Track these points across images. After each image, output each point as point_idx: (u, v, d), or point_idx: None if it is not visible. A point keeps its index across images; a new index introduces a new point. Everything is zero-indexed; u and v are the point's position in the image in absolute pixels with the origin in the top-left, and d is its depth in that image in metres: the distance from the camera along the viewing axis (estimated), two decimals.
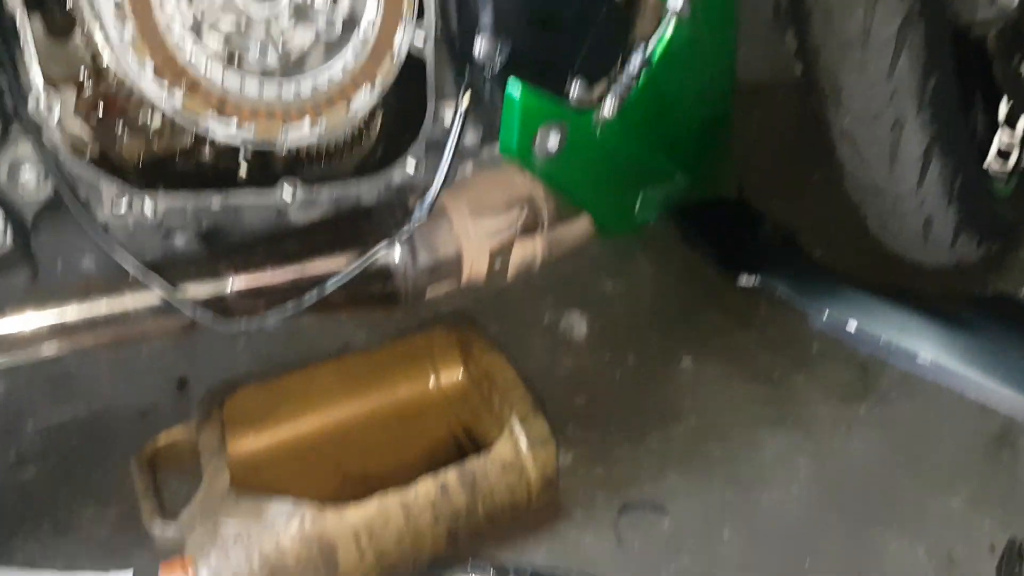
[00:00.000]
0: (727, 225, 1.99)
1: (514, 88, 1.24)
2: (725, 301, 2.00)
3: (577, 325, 1.97)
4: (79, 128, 1.14)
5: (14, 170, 1.10)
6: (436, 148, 1.26)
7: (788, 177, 2.19)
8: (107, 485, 1.59)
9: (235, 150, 1.18)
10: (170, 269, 1.20)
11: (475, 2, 1.21)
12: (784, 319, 1.97)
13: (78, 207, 1.12)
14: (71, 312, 1.18)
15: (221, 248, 1.27)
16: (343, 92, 1.18)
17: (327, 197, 1.26)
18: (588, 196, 1.46)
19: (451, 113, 1.26)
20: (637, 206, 1.55)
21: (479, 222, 1.35)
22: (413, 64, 1.22)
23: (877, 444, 1.70)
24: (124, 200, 1.13)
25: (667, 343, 1.93)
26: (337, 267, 1.27)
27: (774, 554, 1.51)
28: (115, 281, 1.19)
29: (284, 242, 1.28)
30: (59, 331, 1.18)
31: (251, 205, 1.22)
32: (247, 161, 1.22)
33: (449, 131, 1.25)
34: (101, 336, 1.20)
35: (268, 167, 1.25)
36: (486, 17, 1.21)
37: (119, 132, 1.17)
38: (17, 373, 1.77)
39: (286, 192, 1.21)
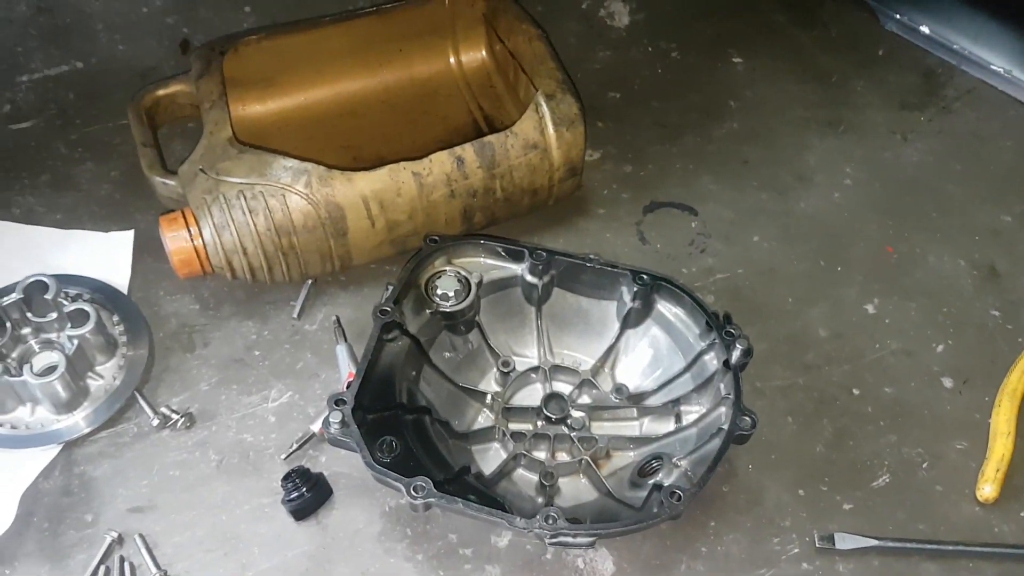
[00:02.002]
0: None
1: None
2: None
3: (619, 13, 1.78)
4: None
5: None
6: None
7: None
8: (106, 143, 1.50)
9: None
10: None
11: None
12: (851, 19, 1.76)
13: None
14: None
15: None
16: None
17: None
18: None
19: None
20: None
21: None
22: None
23: (932, 154, 1.57)
24: None
25: (717, 38, 1.74)
26: None
27: (805, 258, 1.43)
28: None
29: None
30: None
31: None
32: None
33: None
34: None
35: None
36: None
37: None
38: (9, 25, 1.63)
39: None
